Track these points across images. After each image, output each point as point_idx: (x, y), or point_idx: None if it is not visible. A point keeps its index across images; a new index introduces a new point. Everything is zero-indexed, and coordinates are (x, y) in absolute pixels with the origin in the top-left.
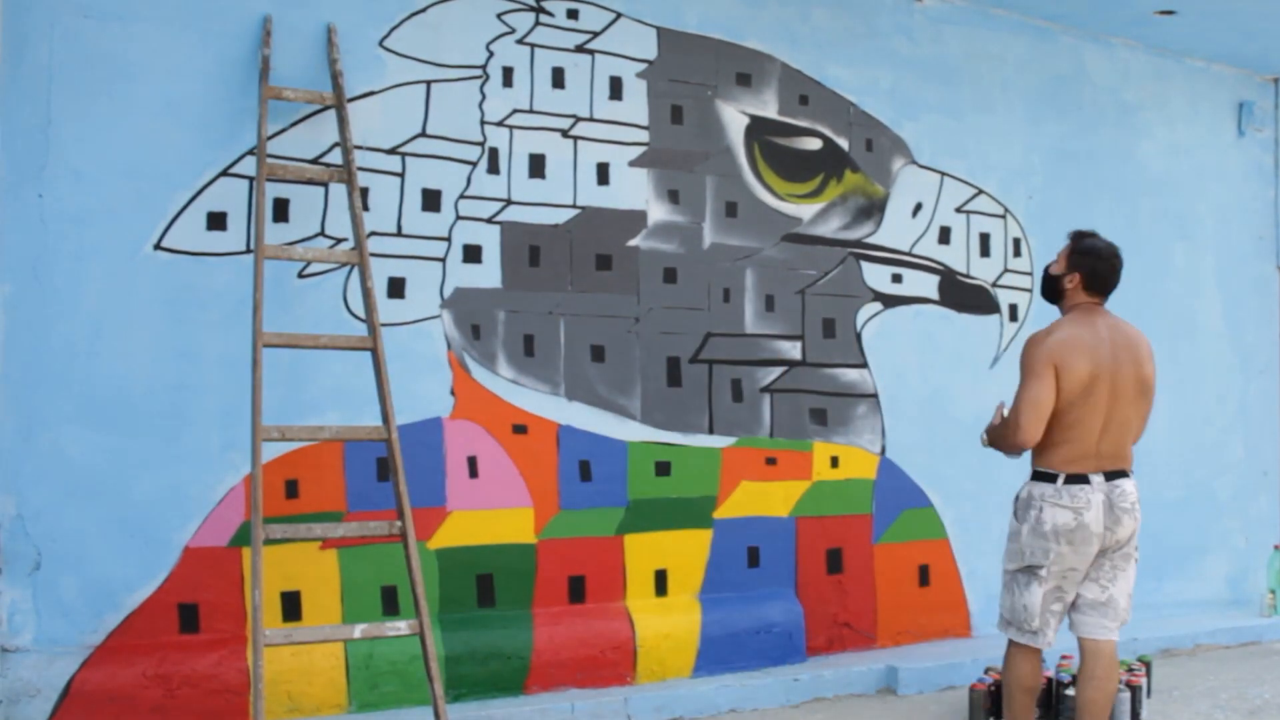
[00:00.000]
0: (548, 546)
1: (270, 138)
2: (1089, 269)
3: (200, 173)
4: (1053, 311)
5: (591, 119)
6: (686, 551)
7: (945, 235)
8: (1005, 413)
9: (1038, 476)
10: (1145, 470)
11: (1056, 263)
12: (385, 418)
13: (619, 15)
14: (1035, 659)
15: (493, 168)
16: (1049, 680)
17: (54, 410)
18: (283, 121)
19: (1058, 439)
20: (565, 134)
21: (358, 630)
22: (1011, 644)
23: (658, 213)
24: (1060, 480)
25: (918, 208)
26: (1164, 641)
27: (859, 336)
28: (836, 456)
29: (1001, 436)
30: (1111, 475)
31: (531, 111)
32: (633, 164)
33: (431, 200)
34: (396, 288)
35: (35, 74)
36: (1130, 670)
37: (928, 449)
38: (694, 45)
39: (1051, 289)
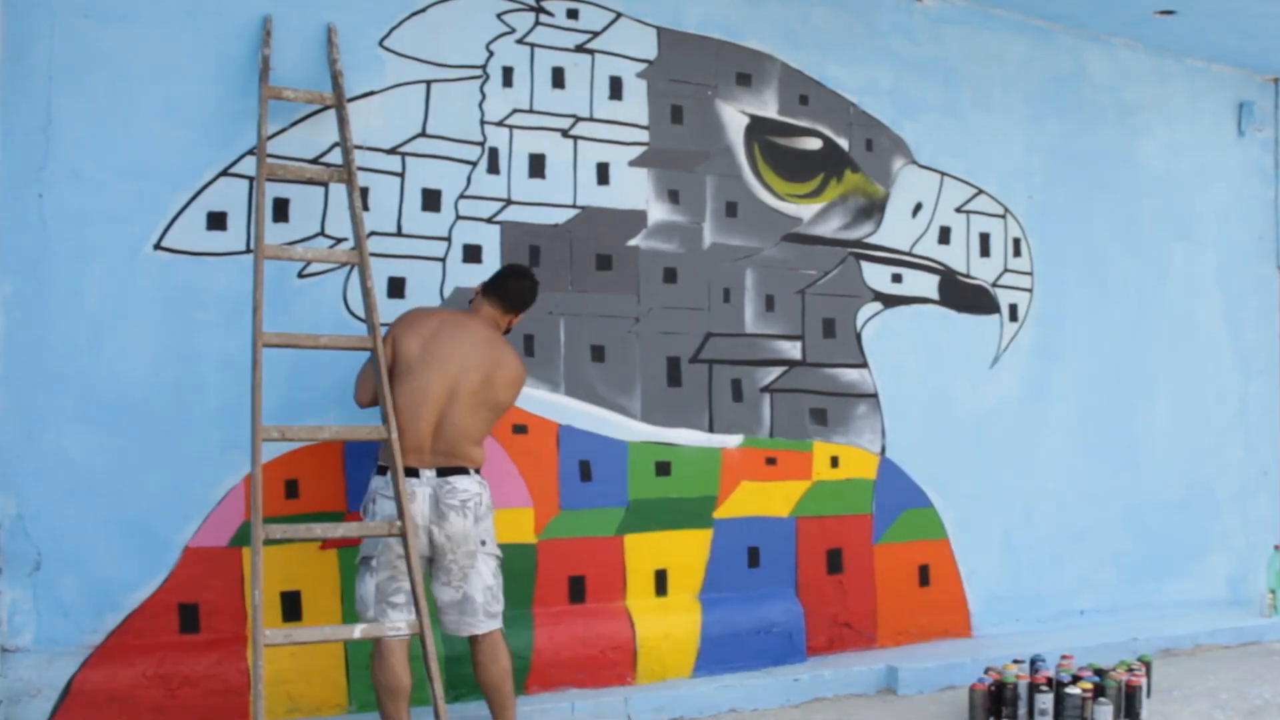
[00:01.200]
0: (548, 546)
1: (270, 137)
2: (495, 278)
3: (200, 172)
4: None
5: (591, 119)
6: (687, 551)
7: (945, 235)
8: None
9: (378, 470)
10: (1145, 470)
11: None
12: (385, 418)
13: (619, 15)
14: (387, 651)
15: (493, 168)
16: (1048, 680)
17: (54, 410)
18: (283, 121)
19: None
20: (565, 134)
21: (358, 630)
22: (374, 644)
23: (658, 213)
24: (387, 473)
25: (918, 207)
26: (1164, 641)
27: (859, 336)
28: (836, 456)
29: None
30: (445, 472)
31: (531, 111)
32: (633, 164)
33: (431, 200)
34: (396, 287)
35: (35, 74)
36: (1130, 670)
37: (928, 449)
38: (694, 45)
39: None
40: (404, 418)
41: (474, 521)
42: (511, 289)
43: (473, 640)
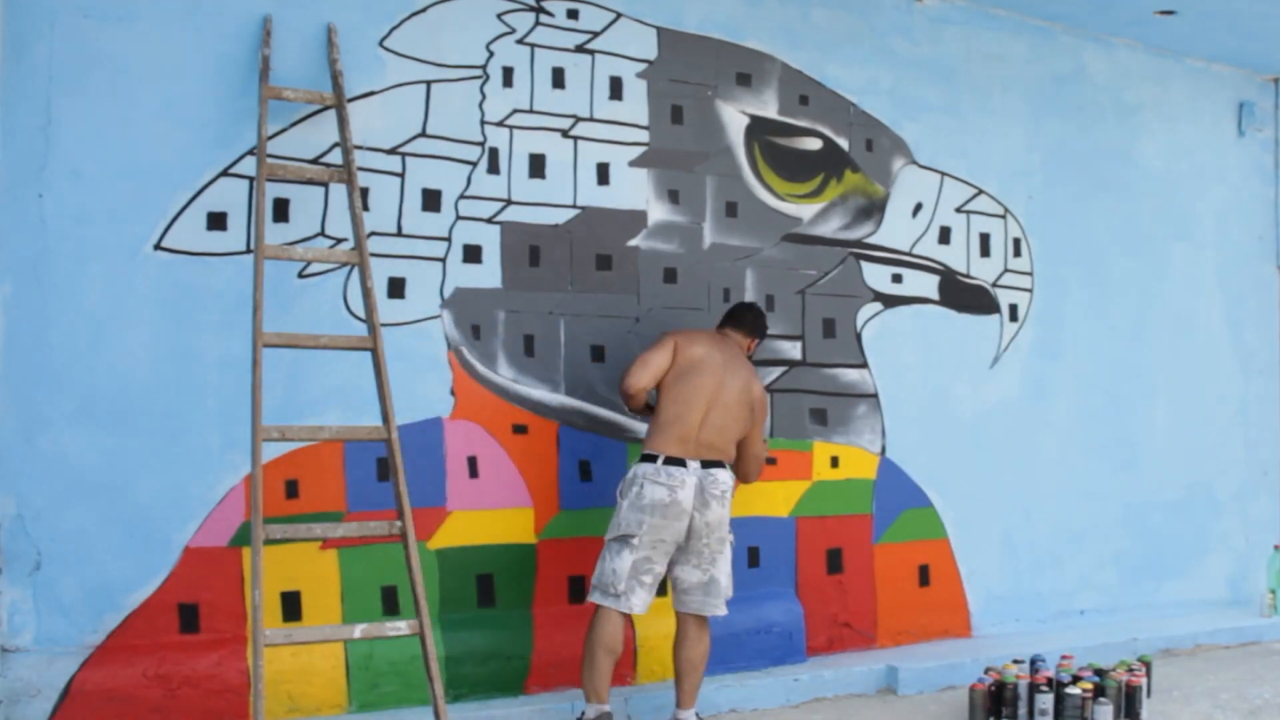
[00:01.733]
0: (548, 546)
1: (270, 138)
2: (740, 316)
3: (200, 173)
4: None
5: (592, 119)
6: None
7: (945, 235)
8: None
9: (643, 458)
10: (1145, 470)
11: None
12: (385, 418)
13: (619, 15)
14: (618, 621)
15: (493, 168)
16: (1048, 680)
17: (54, 410)
18: (283, 121)
19: (664, 420)
20: (565, 134)
21: (358, 630)
22: (598, 607)
23: (658, 213)
24: (660, 460)
25: (918, 208)
26: (1164, 641)
27: (859, 336)
28: (836, 456)
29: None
30: (708, 464)
31: (531, 111)
32: (633, 164)
33: (431, 200)
34: (396, 288)
35: (35, 74)
36: (1130, 670)
37: (928, 449)
38: (694, 45)
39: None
40: (677, 409)
41: (728, 511)
42: (747, 318)
43: (686, 620)
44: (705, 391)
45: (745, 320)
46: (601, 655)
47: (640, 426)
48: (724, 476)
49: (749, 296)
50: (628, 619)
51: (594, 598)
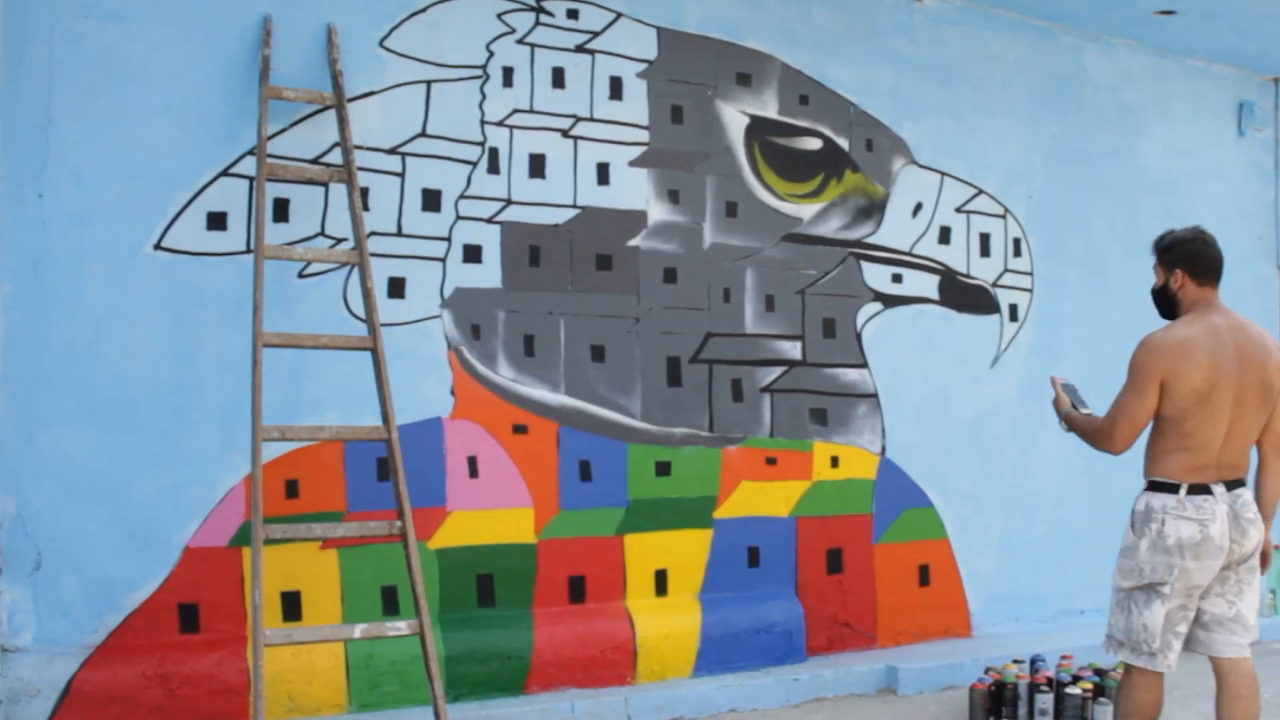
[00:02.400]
0: (548, 546)
1: (270, 138)
2: (1185, 257)
3: (200, 173)
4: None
5: (592, 119)
6: (687, 551)
7: (945, 235)
8: (1061, 388)
9: (1156, 487)
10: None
11: (1156, 278)
12: (385, 418)
13: (619, 15)
14: (1157, 685)
15: (493, 168)
16: (1048, 680)
17: (54, 410)
18: (283, 121)
19: (1175, 445)
20: (565, 134)
21: (358, 630)
22: (1130, 669)
23: (658, 213)
24: (1183, 491)
25: (918, 208)
26: None
27: (859, 336)
28: (836, 456)
29: (1089, 435)
30: (1233, 485)
31: (532, 111)
32: (633, 164)
33: (431, 200)
34: (397, 288)
35: (35, 74)
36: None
37: (928, 449)
38: (694, 45)
39: (1163, 302)
40: (1191, 440)
41: (1262, 534)
42: (1216, 260)
43: (1230, 669)
44: (1224, 412)
45: (1217, 266)
46: None
47: (643, 425)
48: (1250, 496)
49: (749, 297)
50: (1238, 663)
51: (1123, 656)
